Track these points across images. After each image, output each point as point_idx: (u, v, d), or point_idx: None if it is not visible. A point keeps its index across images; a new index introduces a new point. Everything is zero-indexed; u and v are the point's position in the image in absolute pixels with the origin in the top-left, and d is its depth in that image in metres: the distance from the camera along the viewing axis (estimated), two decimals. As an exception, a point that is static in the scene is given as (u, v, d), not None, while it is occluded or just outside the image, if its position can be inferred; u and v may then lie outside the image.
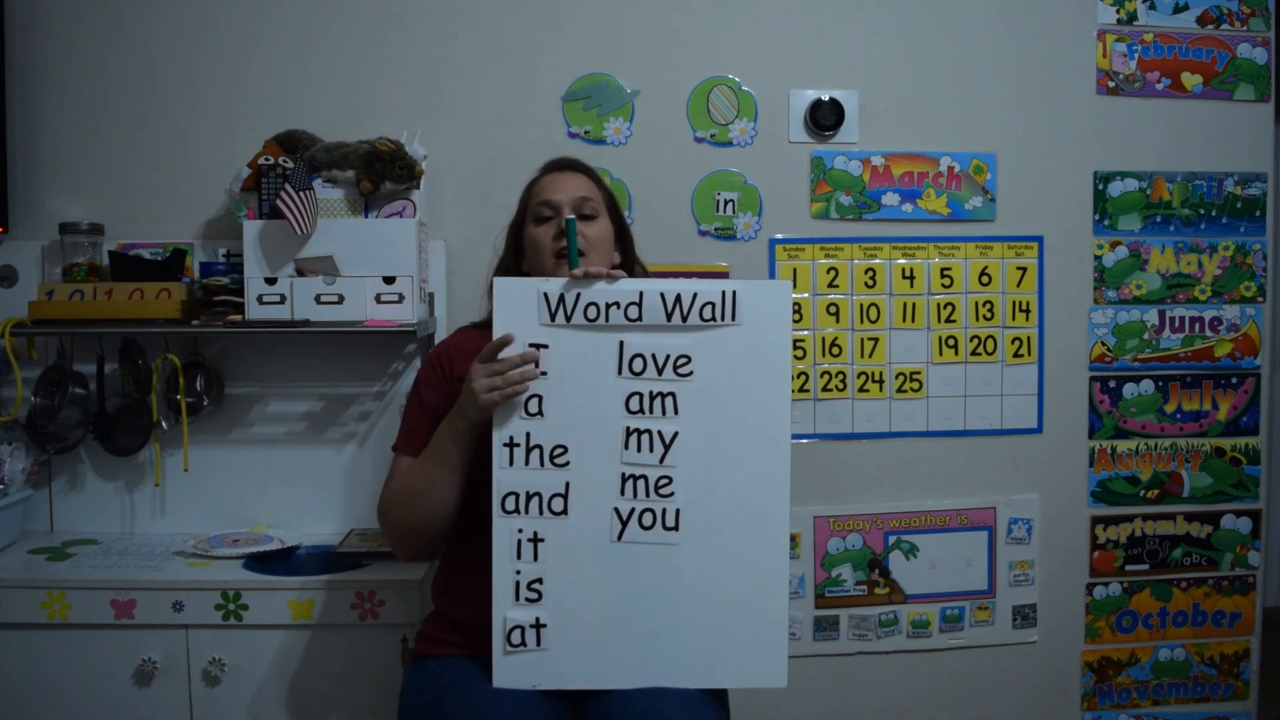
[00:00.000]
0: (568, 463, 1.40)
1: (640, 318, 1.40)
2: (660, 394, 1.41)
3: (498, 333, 1.41)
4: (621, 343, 1.41)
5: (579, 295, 1.40)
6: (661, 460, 1.40)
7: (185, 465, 2.07)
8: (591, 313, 1.40)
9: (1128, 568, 2.31)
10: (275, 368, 2.13)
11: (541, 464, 1.40)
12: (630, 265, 1.69)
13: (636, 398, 1.41)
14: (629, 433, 1.40)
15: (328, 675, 1.82)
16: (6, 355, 1.96)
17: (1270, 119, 2.30)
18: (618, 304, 1.40)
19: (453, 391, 1.52)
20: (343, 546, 1.98)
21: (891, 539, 2.24)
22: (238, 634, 1.81)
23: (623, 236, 1.68)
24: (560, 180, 1.63)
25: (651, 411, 1.41)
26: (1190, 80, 2.26)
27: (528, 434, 1.40)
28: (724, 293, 1.40)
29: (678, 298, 1.40)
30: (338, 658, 1.82)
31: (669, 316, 1.40)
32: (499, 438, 1.40)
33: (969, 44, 2.22)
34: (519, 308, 1.40)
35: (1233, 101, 2.28)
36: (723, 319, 1.41)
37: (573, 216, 1.51)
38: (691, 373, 1.41)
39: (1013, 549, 2.28)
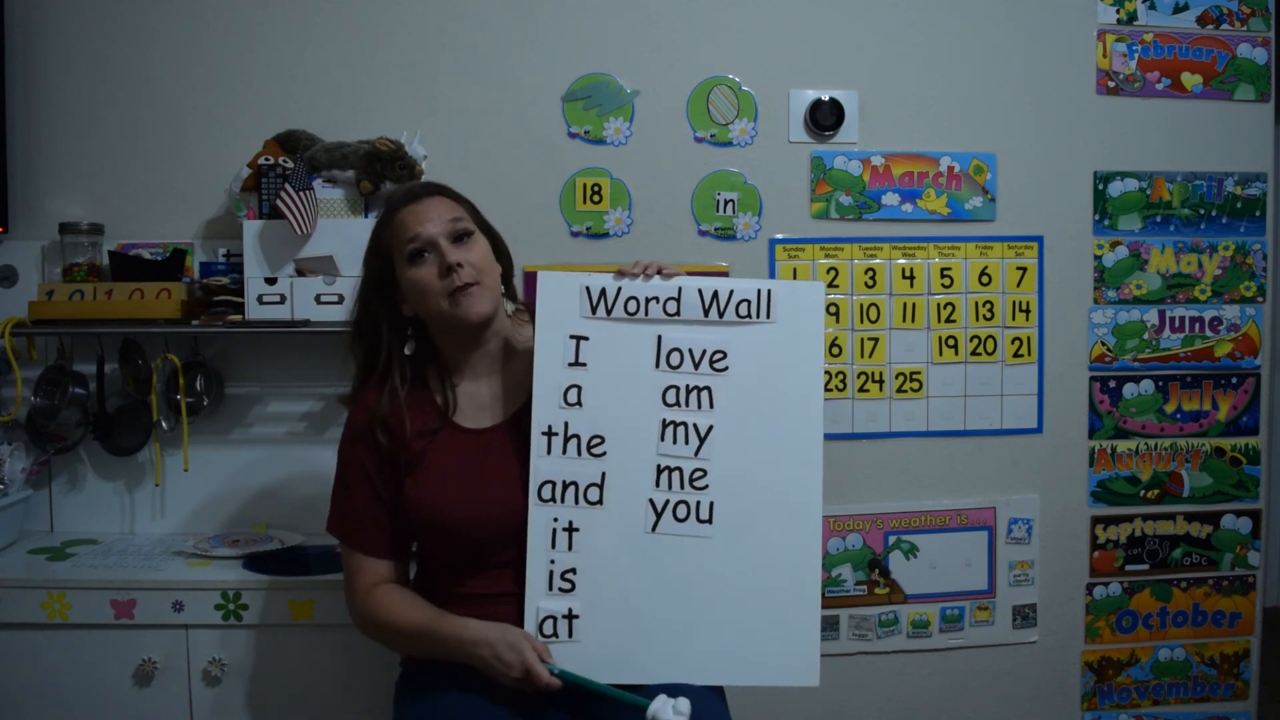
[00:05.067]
0: (604, 453, 1.43)
1: (678, 313, 1.44)
2: (696, 388, 1.43)
3: (541, 323, 1.42)
4: (660, 337, 1.44)
5: (620, 289, 1.44)
6: (696, 453, 1.42)
7: (185, 465, 2.07)
8: (631, 307, 1.44)
9: (1128, 568, 2.31)
10: (275, 368, 2.13)
11: (579, 453, 1.42)
12: (510, 273, 1.56)
13: (673, 391, 1.43)
14: (665, 425, 1.43)
15: (328, 675, 1.83)
16: (6, 355, 1.96)
17: (1270, 119, 2.30)
18: (657, 299, 1.44)
19: (397, 454, 1.45)
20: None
21: (891, 539, 2.24)
22: (238, 634, 1.81)
23: (498, 245, 1.54)
24: (422, 210, 1.46)
25: (687, 405, 1.43)
26: (1190, 80, 2.26)
27: (566, 423, 1.42)
28: (759, 291, 1.44)
29: (714, 294, 1.44)
30: (338, 658, 1.82)
31: (706, 312, 1.44)
32: (538, 426, 1.42)
33: (969, 44, 2.22)
34: (561, 301, 1.44)
35: (1233, 101, 2.28)
36: (758, 316, 1.44)
37: (558, 674, 1.35)
38: (727, 368, 1.44)
39: (1013, 549, 2.28)
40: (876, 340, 2.22)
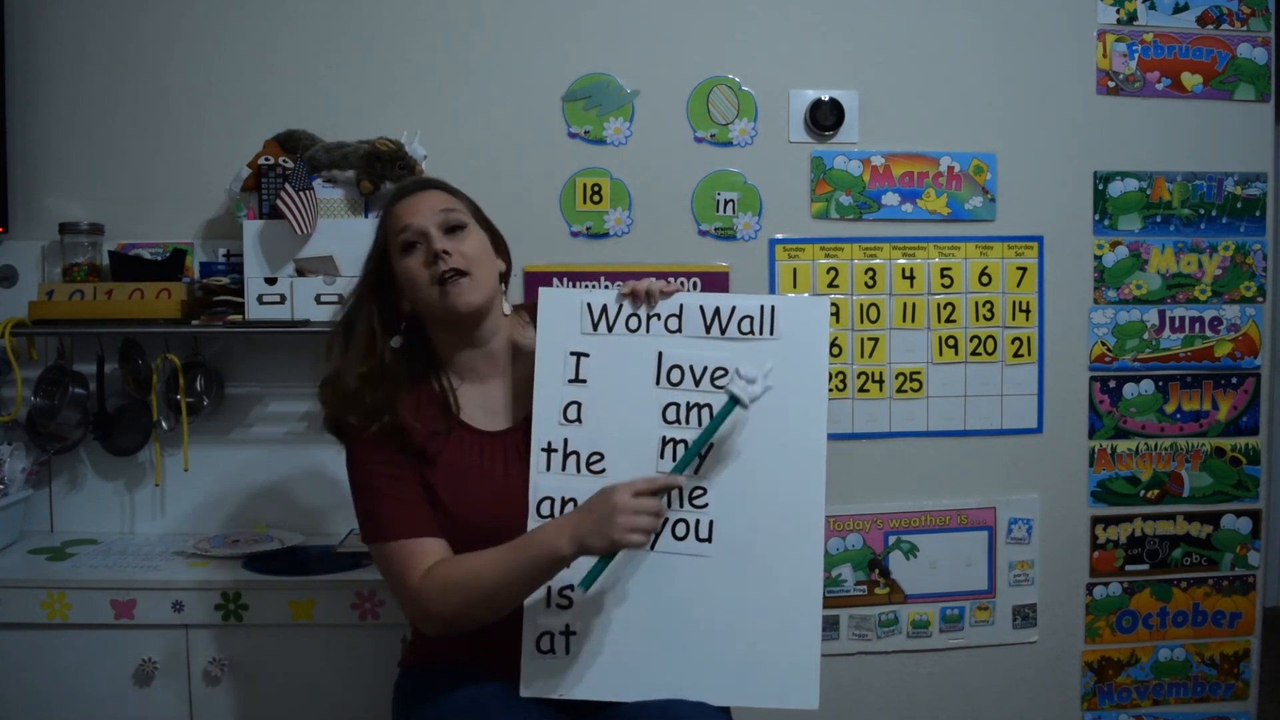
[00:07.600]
0: (604, 470, 1.40)
1: (680, 329, 1.42)
2: (697, 405, 1.41)
3: (542, 340, 1.41)
4: (661, 353, 1.42)
5: (621, 306, 1.43)
6: (696, 471, 1.40)
7: (185, 465, 2.08)
8: (633, 323, 1.43)
9: (1128, 568, 2.31)
10: (275, 368, 2.13)
11: (578, 470, 1.40)
12: (509, 272, 1.57)
13: (674, 408, 1.41)
14: (665, 442, 1.41)
15: (328, 675, 1.83)
16: (6, 355, 1.96)
17: (1270, 119, 2.30)
18: (658, 315, 1.43)
19: (412, 450, 1.42)
20: (343, 546, 1.98)
21: (891, 539, 2.24)
22: (238, 634, 1.81)
23: (498, 242, 1.54)
24: (415, 202, 1.47)
25: (688, 422, 1.41)
26: (1190, 80, 2.26)
27: (565, 440, 1.41)
28: (762, 307, 1.42)
29: (716, 310, 1.43)
30: (338, 658, 1.82)
31: (708, 329, 1.42)
32: (537, 442, 1.41)
33: (969, 44, 2.22)
34: (562, 317, 1.43)
35: (1233, 101, 2.28)
36: (760, 333, 1.42)
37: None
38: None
39: (1013, 549, 2.28)
40: (876, 340, 2.22)
